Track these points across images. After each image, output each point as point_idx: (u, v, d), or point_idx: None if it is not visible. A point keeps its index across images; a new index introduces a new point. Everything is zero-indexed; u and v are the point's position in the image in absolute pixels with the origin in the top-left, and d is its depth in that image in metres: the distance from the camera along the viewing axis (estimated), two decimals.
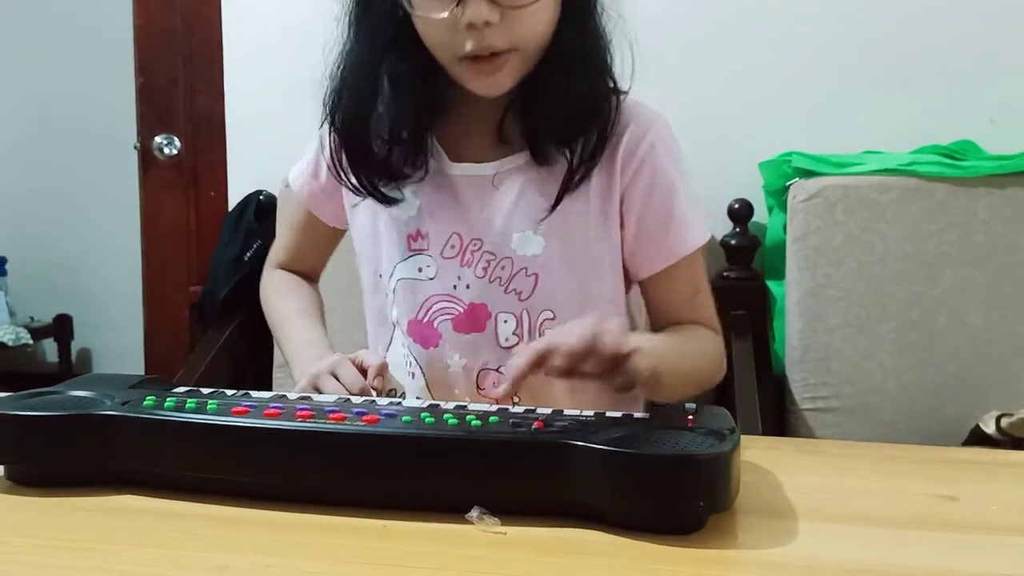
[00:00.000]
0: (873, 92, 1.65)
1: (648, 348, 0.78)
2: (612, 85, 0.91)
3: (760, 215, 1.68)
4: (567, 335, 0.74)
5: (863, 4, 1.64)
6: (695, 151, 1.66)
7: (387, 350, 0.99)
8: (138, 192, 2.52)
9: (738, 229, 1.67)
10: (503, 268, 0.92)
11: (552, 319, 0.93)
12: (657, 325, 0.98)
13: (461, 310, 0.94)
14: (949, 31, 1.63)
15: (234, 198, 1.82)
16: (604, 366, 0.75)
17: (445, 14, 0.82)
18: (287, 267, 1.10)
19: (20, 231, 3.43)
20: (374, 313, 1.01)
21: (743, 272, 1.67)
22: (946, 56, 1.63)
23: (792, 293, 1.58)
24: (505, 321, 0.93)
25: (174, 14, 2.37)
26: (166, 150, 2.43)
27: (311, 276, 1.11)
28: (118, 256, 3.15)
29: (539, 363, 0.74)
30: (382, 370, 0.85)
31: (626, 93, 0.93)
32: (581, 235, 0.92)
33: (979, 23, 1.62)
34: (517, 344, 0.92)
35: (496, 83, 0.87)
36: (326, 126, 0.95)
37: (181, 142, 2.43)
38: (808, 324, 1.57)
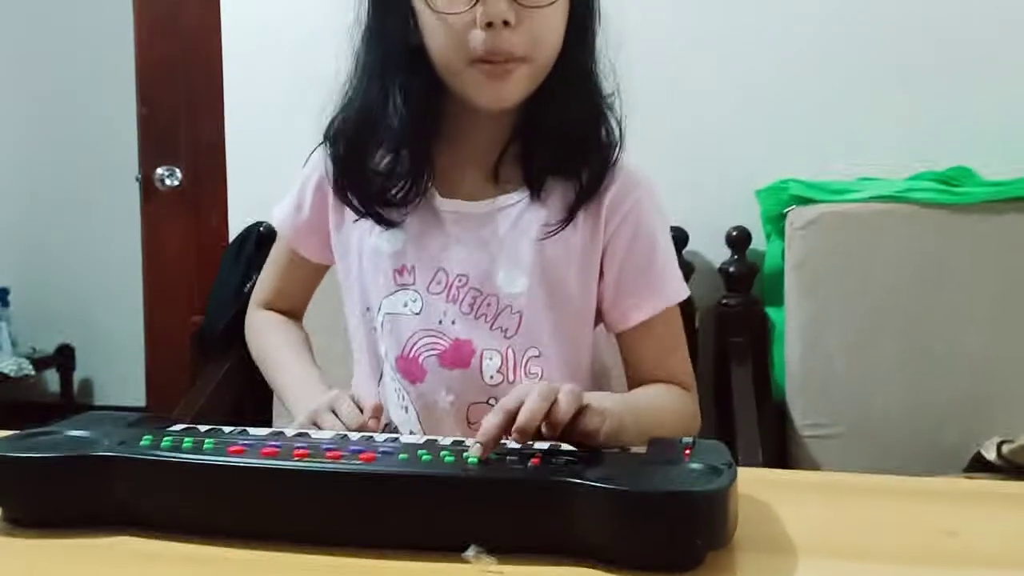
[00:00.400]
0: (868, 119, 1.66)
1: (605, 408, 0.75)
2: (614, 124, 0.93)
3: (758, 242, 1.68)
4: (528, 397, 0.71)
5: (856, 33, 1.65)
6: (693, 180, 1.70)
7: (379, 384, 0.99)
8: (139, 223, 2.53)
9: (736, 256, 1.67)
10: (488, 305, 0.93)
11: (538, 356, 0.94)
12: (633, 380, 0.99)
13: (447, 346, 0.94)
14: (945, 57, 1.64)
15: (235, 229, 1.82)
16: (559, 428, 0.73)
17: (464, 10, 0.83)
18: (270, 306, 1.10)
19: (23, 262, 3.44)
20: (363, 347, 1.01)
21: (742, 299, 1.67)
22: (940, 83, 1.64)
23: (791, 319, 1.58)
24: (490, 358, 0.93)
25: (176, 45, 2.39)
26: (167, 181, 2.44)
27: (295, 314, 1.11)
28: (120, 286, 3.16)
29: (509, 424, 0.71)
30: (377, 411, 0.85)
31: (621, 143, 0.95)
32: (563, 279, 0.94)
33: (974, 50, 1.63)
34: (502, 382, 0.93)
35: (505, 91, 0.88)
36: (310, 162, 0.96)
37: (182, 173, 2.44)
38: (808, 350, 1.57)
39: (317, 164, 1.00)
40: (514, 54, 0.85)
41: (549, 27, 0.86)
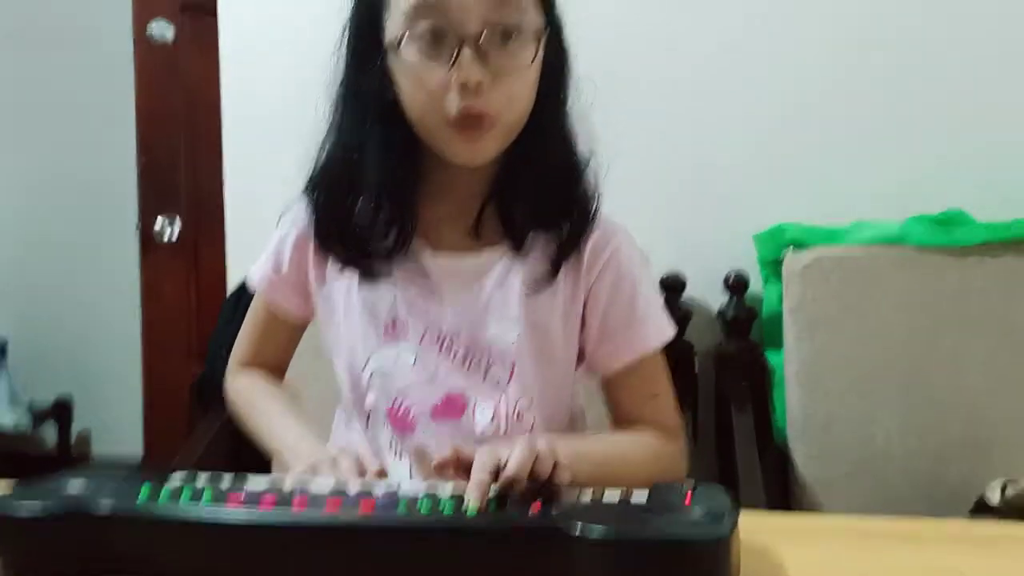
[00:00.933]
0: (862, 163, 1.68)
1: (568, 456, 0.76)
2: (590, 175, 0.95)
3: (756, 286, 1.69)
4: (515, 450, 0.72)
5: (851, 80, 1.68)
6: (690, 225, 1.71)
7: (366, 429, 0.99)
8: (138, 273, 2.54)
9: (735, 301, 1.67)
10: (481, 357, 0.94)
11: (528, 406, 0.95)
12: (617, 423, 1.00)
13: (438, 399, 0.95)
14: (937, 101, 1.65)
15: (234, 279, 1.83)
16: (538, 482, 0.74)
17: (440, 74, 0.85)
18: (252, 366, 1.08)
19: (21, 314, 3.43)
20: (351, 399, 1.01)
21: (741, 344, 1.67)
22: (934, 126, 1.66)
23: (791, 363, 1.58)
24: (482, 410, 0.94)
25: (176, 95, 2.42)
26: (167, 231, 2.45)
27: (276, 374, 1.09)
28: (118, 337, 3.15)
29: (495, 475, 0.72)
30: (382, 475, 0.85)
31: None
32: (549, 329, 0.95)
33: (968, 93, 1.65)
34: (494, 433, 0.93)
35: (480, 149, 0.89)
36: (286, 221, 0.98)
37: (182, 222, 2.45)
38: (808, 394, 1.56)
39: (295, 221, 1.01)
40: (488, 114, 0.86)
41: (522, 87, 0.88)
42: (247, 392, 1.06)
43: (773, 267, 1.64)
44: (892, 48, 1.66)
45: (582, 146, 0.95)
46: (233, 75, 1.84)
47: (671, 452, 0.98)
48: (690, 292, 1.68)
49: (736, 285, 1.66)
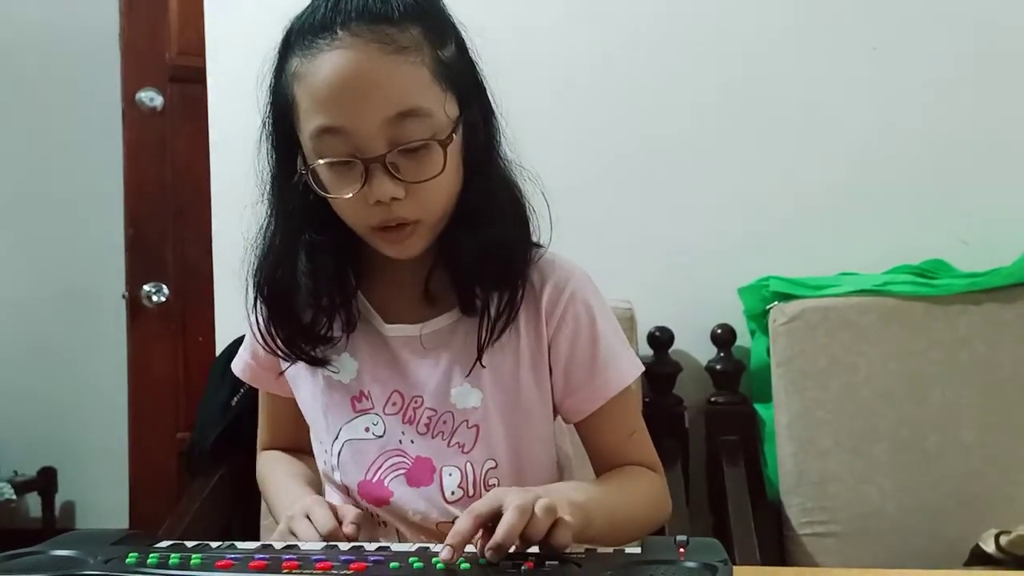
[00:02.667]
0: (845, 216, 1.70)
1: (575, 510, 0.78)
2: (527, 231, 0.95)
3: (743, 339, 1.70)
4: (507, 512, 0.71)
5: (830, 132, 1.71)
6: (676, 280, 1.72)
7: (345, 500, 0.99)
8: (125, 342, 2.52)
9: (722, 354, 1.68)
10: (445, 423, 0.94)
11: (495, 467, 0.95)
12: (596, 466, 1.00)
13: (410, 464, 0.95)
14: (916, 155, 1.69)
15: (222, 344, 1.82)
16: (532, 544, 0.73)
17: (355, 189, 0.85)
18: (273, 447, 1.11)
19: (5, 384, 3.40)
20: (325, 475, 1.02)
21: (731, 397, 1.67)
22: (914, 179, 1.69)
23: (781, 417, 1.58)
24: (450, 474, 0.94)
25: (165, 168, 2.43)
26: (154, 298, 2.45)
27: (300, 450, 1.10)
28: (103, 407, 3.12)
29: (480, 527, 0.72)
30: (359, 519, 0.85)
31: (542, 246, 0.98)
32: (514, 386, 0.95)
33: (946, 146, 1.69)
34: (462, 498, 0.93)
35: (408, 248, 0.90)
36: (251, 304, 0.97)
37: (169, 290, 2.45)
38: (800, 448, 1.56)
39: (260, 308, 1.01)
40: (407, 220, 0.87)
41: (437, 190, 0.87)
42: (263, 470, 1.09)
43: (759, 320, 1.65)
44: (871, 108, 1.70)
45: (523, 184, 0.95)
46: (222, 141, 1.86)
47: (660, 488, 0.99)
48: (678, 346, 1.69)
49: (723, 338, 1.67)
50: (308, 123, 0.85)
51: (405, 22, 0.84)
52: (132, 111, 2.40)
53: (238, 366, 1.08)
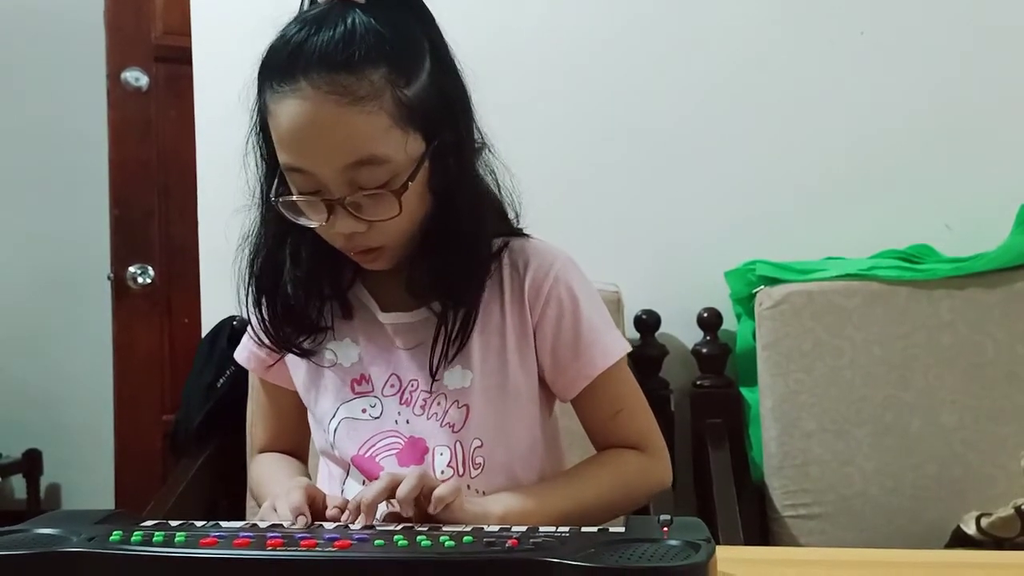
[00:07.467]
0: (831, 201, 1.71)
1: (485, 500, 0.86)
2: (488, 248, 0.97)
3: (729, 323, 1.70)
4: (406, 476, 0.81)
5: (817, 119, 1.72)
6: (663, 263, 1.73)
7: (343, 484, 1.00)
8: (110, 323, 2.51)
9: (708, 337, 1.69)
10: (438, 404, 0.97)
11: (480, 447, 0.97)
12: (596, 444, 1.03)
13: (402, 444, 0.97)
14: (901, 142, 1.70)
15: (207, 325, 1.82)
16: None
17: (322, 218, 0.88)
18: (271, 449, 1.11)
19: None
20: (323, 452, 1.04)
21: (716, 380, 1.69)
22: (900, 166, 1.70)
23: (766, 400, 1.59)
24: (441, 454, 0.96)
25: (150, 148, 2.41)
26: (140, 279, 2.44)
27: (296, 455, 1.11)
28: (89, 389, 3.11)
29: (388, 494, 0.80)
30: (344, 505, 0.85)
31: (527, 234, 1.00)
32: (501, 368, 0.97)
33: (931, 133, 1.69)
34: (451, 476, 0.95)
35: (377, 264, 0.94)
36: (253, 302, 0.99)
37: (155, 271, 2.44)
38: (784, 430, 1.57)
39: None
40: (372, 247, 0.91)
41: (399, 224, 0.89)
42: (258, 472, 1.09)
43: (745, 304, 1.66)
44: (858, 94, 1.71)
45: (507, 178, 0.97)
46: (207, 122, 1.85)
47: (640, 467, 1.00)
48: (664, 329, 1.70)
49: (709, 322, 1.68)
50: (279, 154, 0.89)
51: (366, 67, 0.84)
52: (117, 91, 2.37)
53: (241, 357, 1.09)
